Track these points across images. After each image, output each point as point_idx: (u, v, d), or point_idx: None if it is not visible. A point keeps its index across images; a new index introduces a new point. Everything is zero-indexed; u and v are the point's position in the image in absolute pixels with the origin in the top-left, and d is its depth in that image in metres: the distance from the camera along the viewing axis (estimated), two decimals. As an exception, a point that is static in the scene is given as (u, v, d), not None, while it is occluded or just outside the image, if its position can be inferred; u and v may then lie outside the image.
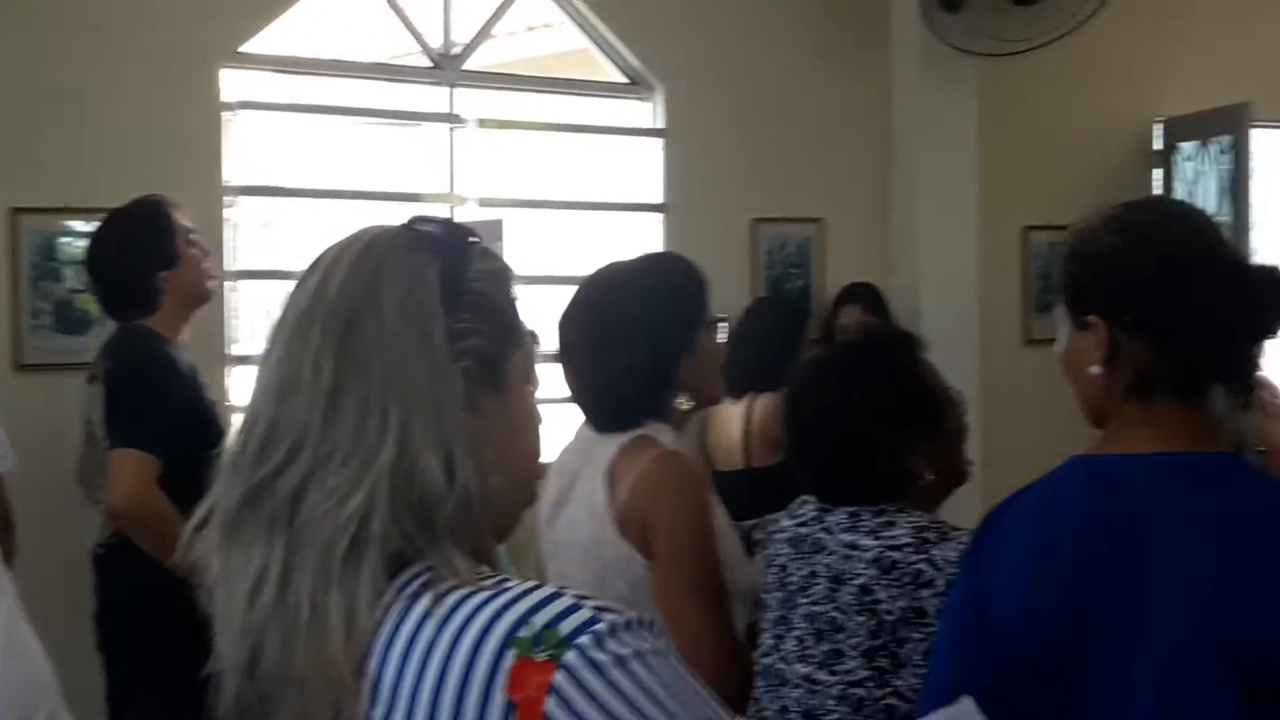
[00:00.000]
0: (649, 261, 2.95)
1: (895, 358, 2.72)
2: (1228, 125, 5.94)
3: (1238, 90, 6.09)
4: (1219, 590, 1.84)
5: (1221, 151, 6.04)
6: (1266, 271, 1.99)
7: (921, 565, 2.47)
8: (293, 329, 1.37)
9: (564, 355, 2.85)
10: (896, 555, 2.49)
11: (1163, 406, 1.96)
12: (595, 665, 1.22)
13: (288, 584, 1.31)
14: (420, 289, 1.36)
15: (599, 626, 1.24)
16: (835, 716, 2.51)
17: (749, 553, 2.92)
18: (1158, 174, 6.41)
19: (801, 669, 2.57)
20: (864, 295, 5.72)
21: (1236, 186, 5.89)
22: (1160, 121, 6.39)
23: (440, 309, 1.36)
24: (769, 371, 4.89)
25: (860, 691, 2.49)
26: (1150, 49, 6.37)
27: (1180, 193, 6.25)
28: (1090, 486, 1.98)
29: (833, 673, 2.52)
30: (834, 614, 2.54)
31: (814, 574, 2.59)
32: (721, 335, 2.93)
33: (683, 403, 2.84)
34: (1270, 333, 1.97)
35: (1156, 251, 1.97)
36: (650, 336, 2.76)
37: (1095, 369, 1.99)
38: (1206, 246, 1.97)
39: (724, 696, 2.47)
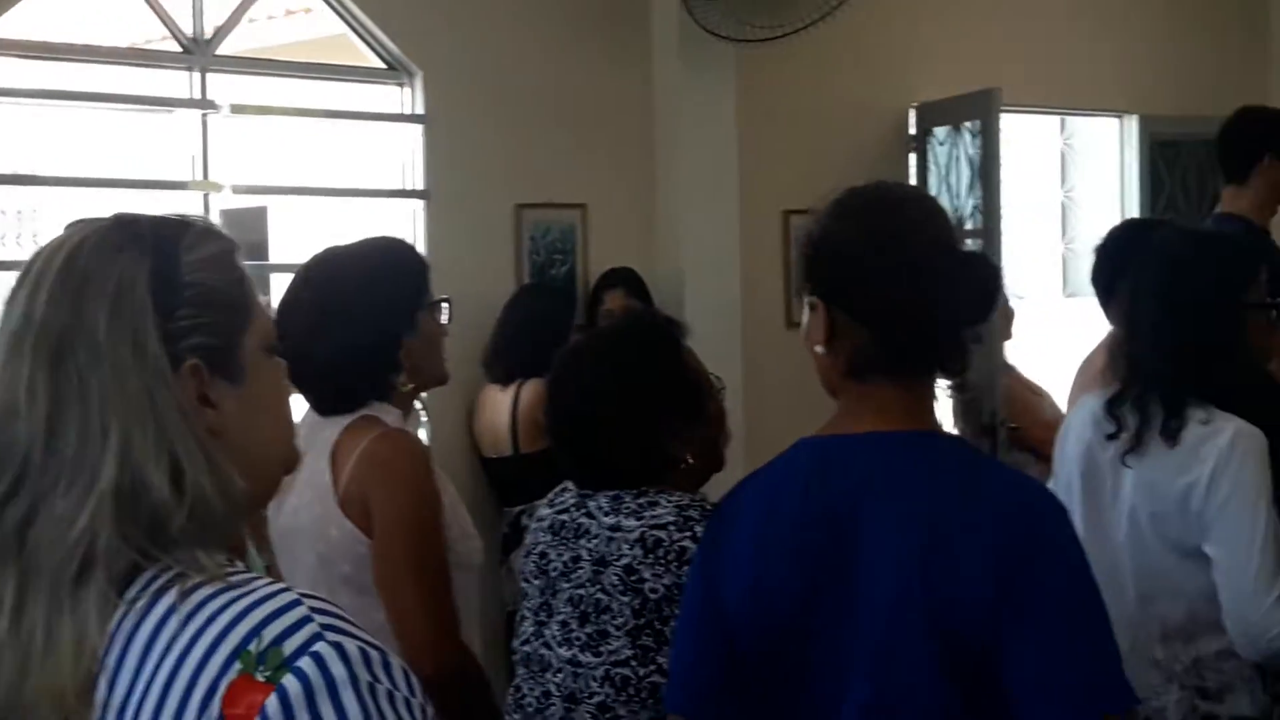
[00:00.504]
0: (368, 245, 2.96)
1: (655, 343, 2.73)
2: (978, 110, 6.11)
3: (988, 76, 6.26)
4: (923, 565, 1.90)
5: (973, 136, 6.21)
6: (978, 258, 2.06)
7: (686, 542, 2.49)
8: (6, 353, 1.35)
9: (284, 339, 2.83)
10: (661, 534, 2.52)
11: (877, 386, 2.01)
12: (308, 693, 1.22)
13: (21, 613, 1.30)
14: (129, 298, 1.34)
15: (319, 647, 1.24)
16: (599, 698, 2.52)
17: (519, 538, 2.93)
18: (913, 158, 6.56)
19: (565, 652, 2.57)
20: (626, 280, 5.74)
21: (987, 170, 6.06)
22: (915, 107, 6.54)
23: (153, 314, 1.35)
24: (535, 358, 4.88)
25: (625, 671, 2.51)
26: (905, 35, 6.52)
27: (934, 176, 6.41)
28: (812, 467, 2.03)
29: (597, 654, 2.53)
30: (599, 596, 2.55)
31: (577, 558, 2.59)
32: (444, 317, 2.97)
33: (403, 384, 2.85)
34: (982, 318, 2.03)
35: (868, 236, 2.02)
36: (369, 318, 2.79)
37: (819, 349, 2.04)
38: (919, 231, 2.02)
39: (437, 671, 2.55)
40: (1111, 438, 2.98)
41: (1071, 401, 3.65)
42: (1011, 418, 5.73)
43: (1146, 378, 2.95)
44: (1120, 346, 3.07)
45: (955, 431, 6.18)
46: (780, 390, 5.85)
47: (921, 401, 2.02)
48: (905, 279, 1.98)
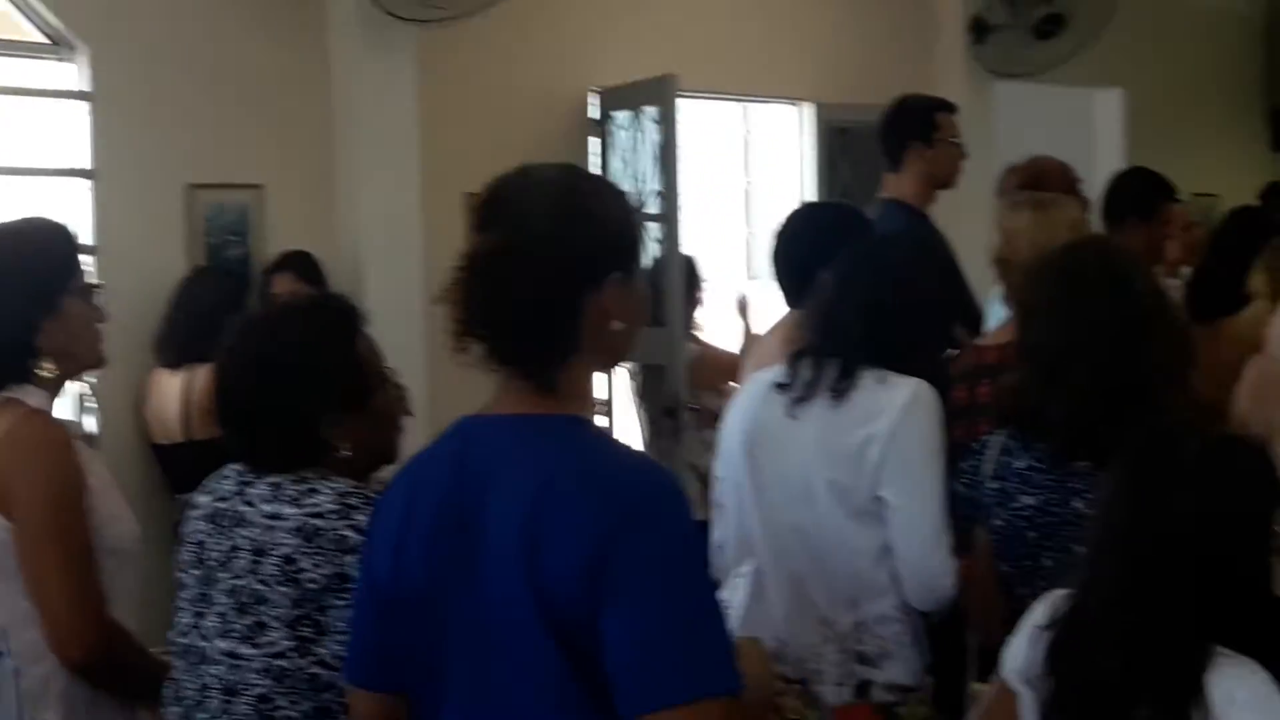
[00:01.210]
0: (5, 226, 2.88)
1: (322, 328, 2.67)
2: (656, 96, 6.17)
3: (668, 62, 6.33)
4: (528, 547, 1.91)
5: (653, 121, 6.27)
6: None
7: (346, 531, 2.45)
8: None
9: None
10: (320, 522, 2.47)
11: (509, 371, 2.02)
12: None
13: None
14: None
15: None
16: (258, 690, 2.46)
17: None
18: (596, 143, 6.59)
19: (223, 645, 2.50)
20: (296, 264, 5.59)
21: (665, 155, 6.13)
22: (596, 91, 6.57)
23: None
24: (207, 342, 4.74)
25: (283, 663, 2.45)
26: (586, 19, 6.55)
27: (616, 161, 6.46)
28: (455, 449, 2.05)
29: (255, 645, 2.47)
30: (257, 586, 2.48)
31: (235, 548, 2.53)
32: (98, 299, 2.91)
33: (47, 369, 2.79)
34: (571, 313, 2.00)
35: (489, 223, 2.03)
36: (5, 301, 2.73)
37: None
38: (523, 224, 2.00)
39: (85, 655, 2.59)
40: (783, 387, 3.04)
41: (744, 380, 3.71)
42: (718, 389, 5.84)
43: (833, 337, 3.03)
44: (813, 313, 3.14)
45: (641, 412, 6.27)
46: (465, 373, 5.80)
47: (557, 386, 2.01)
48: (506, 273, 1.99)
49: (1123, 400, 2.86)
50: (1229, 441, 2.34)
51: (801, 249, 3.74)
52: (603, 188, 2.12)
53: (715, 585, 1.96)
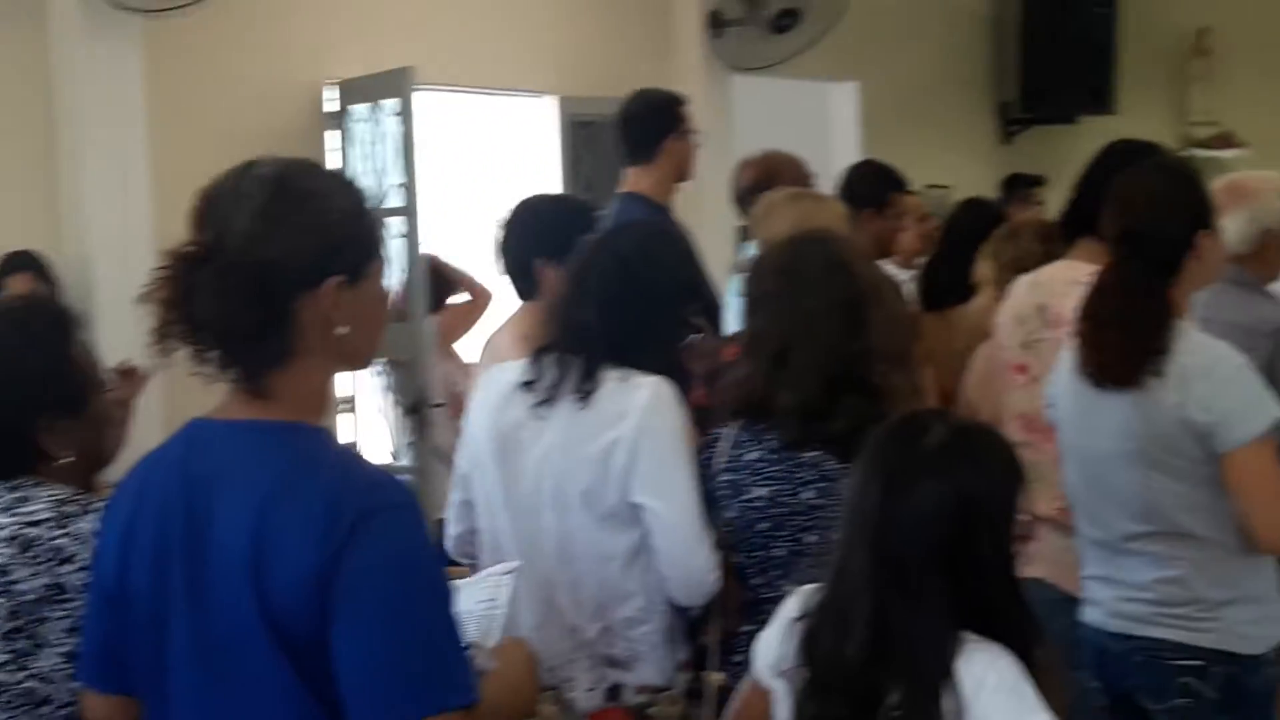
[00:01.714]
0: None
1: (35, 333, 2.59)
2: (394, 88, 6.09)
3: (407, 54, 6.25)
4: (254, 557, 1.86)
5: (392, 114, 6.18)
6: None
7: (62, 540, 2.37)
8: None
9: None
10: (34, 531, 2.39)
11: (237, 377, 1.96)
12: None
13: None
14: None
15: None
16: (-29, 708, 2.35)
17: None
18: (335, 136, 6.47)
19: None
20: (31, 264, 5.38)
21: (405, 148, 6.05)
22: (334, 84, 6.45)
23: None
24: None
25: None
26: (321, 9, 6.42)
27: (357, 155, 6.35)
28: (182, 452, 1.98)
29: (-32, 661, 2.36)
30: (-33, 600, 2.38)
31: (-55, 560, 2.40)
32: None
33: None
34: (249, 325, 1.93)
35: (200, 223, 1.96)
36: None
37: None
38: (227, 225, 1.93)
39: None
40: (528, 386, 3.00)
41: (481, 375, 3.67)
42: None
43: (573, 335, 2.99)
44: (551, 310, 3.11)
45: (390, 410, 6.18)
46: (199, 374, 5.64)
47: (274, 391, 1.95)
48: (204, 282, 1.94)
49: (844, 388, 2.91)
50: (973, 428, 2.39)
51: (523, 242, 3.76)
52: (326, 185, 2.02)
53: (449, 596, 1.91)
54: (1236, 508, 3.08)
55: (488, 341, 4.08)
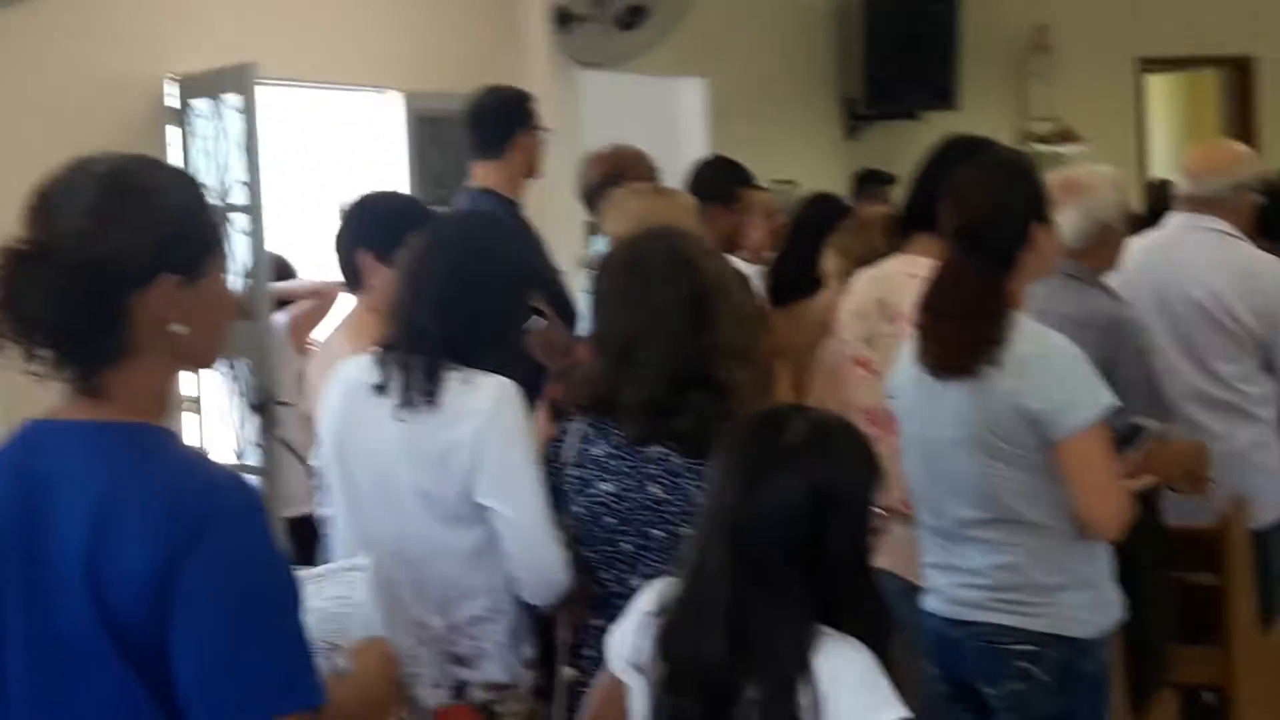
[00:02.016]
0: None
1: None
2: (236, 84, 5.99)
3: (250, 48, 6.15)
4: (89, 559, 1.83)
5: (235, 110, 6.08)
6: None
7: None
8: None
9: None
10: None
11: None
12: None
13: None
14: None
15: None
16: None
17: None
18: (175, 132, 6.35)
19: None
20: None
21: (249, 145, 5.96)
22: (174, 79, 6.34)
23: None
24: None
25: None
26: (160, 3, 6.30)
27: (199, 150, 6.22)
28: (19, 454, 1.94)
29: None
30: None
31: None
32: None
33: None
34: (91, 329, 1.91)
35: (30, 222, 1.92)
36: None
37: None
38: (53, 224, 1.90)
39: None
40: (380, 390, 2.98)
41: (318, 376, 3.64)
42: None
43: (413, 334, 2.98)
44: (391, 307, 3.09)
45: (236, 409, 6.09)
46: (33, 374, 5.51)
47: (108, 391, 1.92)
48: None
49: (690, 384, 2.93)
50: (831, 423, 2.41)
51: (351, 236, 3.76)
52: (161, 182, 1.98)
53: (294, 597, 1.89)
54: (1070, 494, 3.16)
55: (325, 339, 4.07)
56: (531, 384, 4.51)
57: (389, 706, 2.38)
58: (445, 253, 3.05)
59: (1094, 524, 3.18)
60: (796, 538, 2.24)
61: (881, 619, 2.31)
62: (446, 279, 2.99)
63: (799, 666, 2.20)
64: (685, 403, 2.91)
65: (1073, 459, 3.14)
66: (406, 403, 2.95)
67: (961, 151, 3.77)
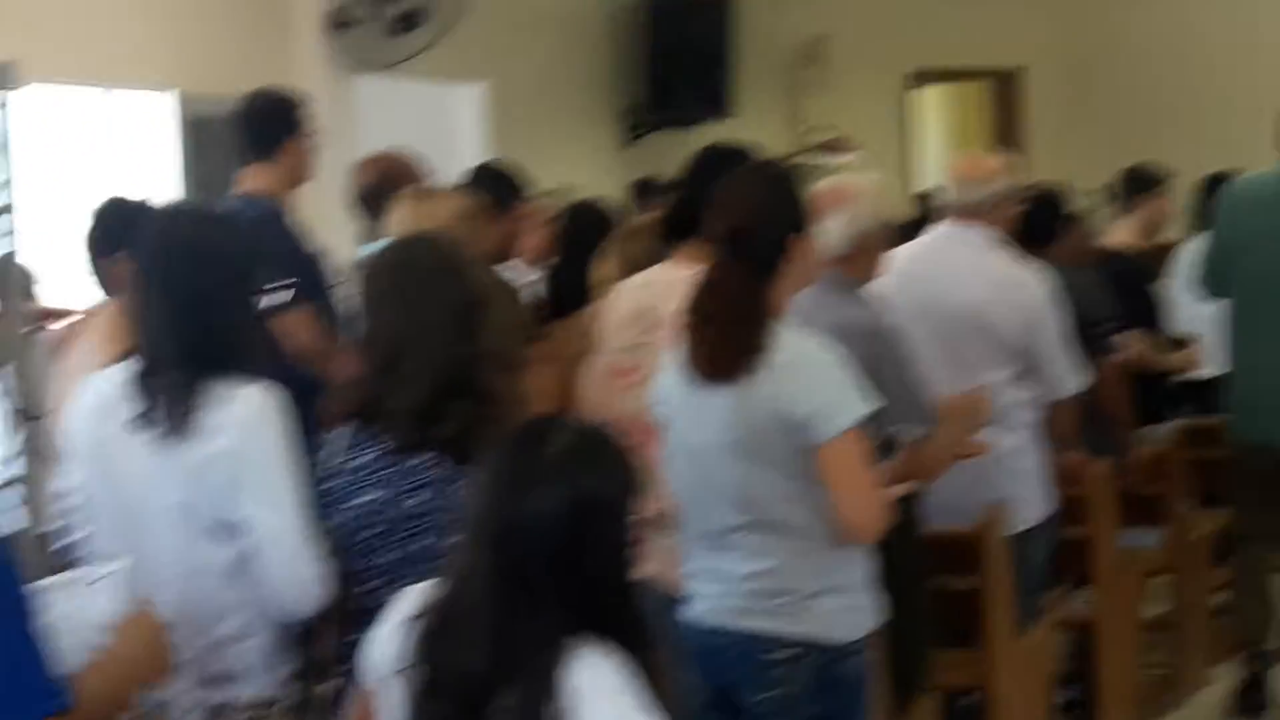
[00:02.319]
0: None
1: None
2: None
3: (11, 46, 5.95)
4: None
5: (-2, 108, 5.88)
6: None
7: None
8: None
9: None
10: None
11: None
12: None
13: None
14: None
15: None
16: None
17: None
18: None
19: None
20: None
21: (3, 145, 5.75)
22: (-71, 76, 6.10)
23: None
24: None
25: None
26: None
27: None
28: None
29: None
30: None
31: None
32: None
33: None
34: None
35: None
36: None
37: None
38: None
39: None
40: (123, 400, 2.90)
41: (67, 384, 3.54)
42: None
43: (160, 346, 2.91)
44: (136, 318, 3.02)
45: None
46: None
47: None
48: None
49: (456, 391, 2.92)
50: (593, 433, 2.41)
51: (106, 243, 3.75)
52: None
53: (24, 610, 1.84)
54: (829, 499, 3.22)
55: (76, 346, 3.98)
56: (303, 389, 4.48)
57: (160, 673, 2.37)
58: (166, 260, 2.97)
59: (852, 528, 3.24)
60: (557, 547, 2.25)
61: (642, 629, 2.32)
62: (178, 288, 2.92)
63: (554, 675, 2.20)
64: (451, 410, 2.90)
65: (832, 464, 3.20)
66: (169, 430, 2.87)
67: (720, 160, 3.83)
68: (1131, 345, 5.94)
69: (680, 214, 3.90)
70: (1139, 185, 6.27)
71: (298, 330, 4.68)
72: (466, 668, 2.25)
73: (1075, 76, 10.76)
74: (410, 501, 2.93)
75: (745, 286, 3.24)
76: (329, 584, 2.94)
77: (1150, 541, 5.94)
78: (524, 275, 5.54)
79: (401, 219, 3.99)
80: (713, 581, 3.35)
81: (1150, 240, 6.40)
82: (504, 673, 2.22)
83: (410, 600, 2.42)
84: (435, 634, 2.31)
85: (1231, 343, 5.78)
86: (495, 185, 5.26)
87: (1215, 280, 5.81)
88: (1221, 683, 5.99)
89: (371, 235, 4.82)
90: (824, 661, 3.27)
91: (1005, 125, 11.00)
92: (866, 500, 3.23)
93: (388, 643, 2.40)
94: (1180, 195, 6.78)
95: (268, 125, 4.90)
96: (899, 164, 10.41)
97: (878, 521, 3.26)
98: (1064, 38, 10.70)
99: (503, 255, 5.11)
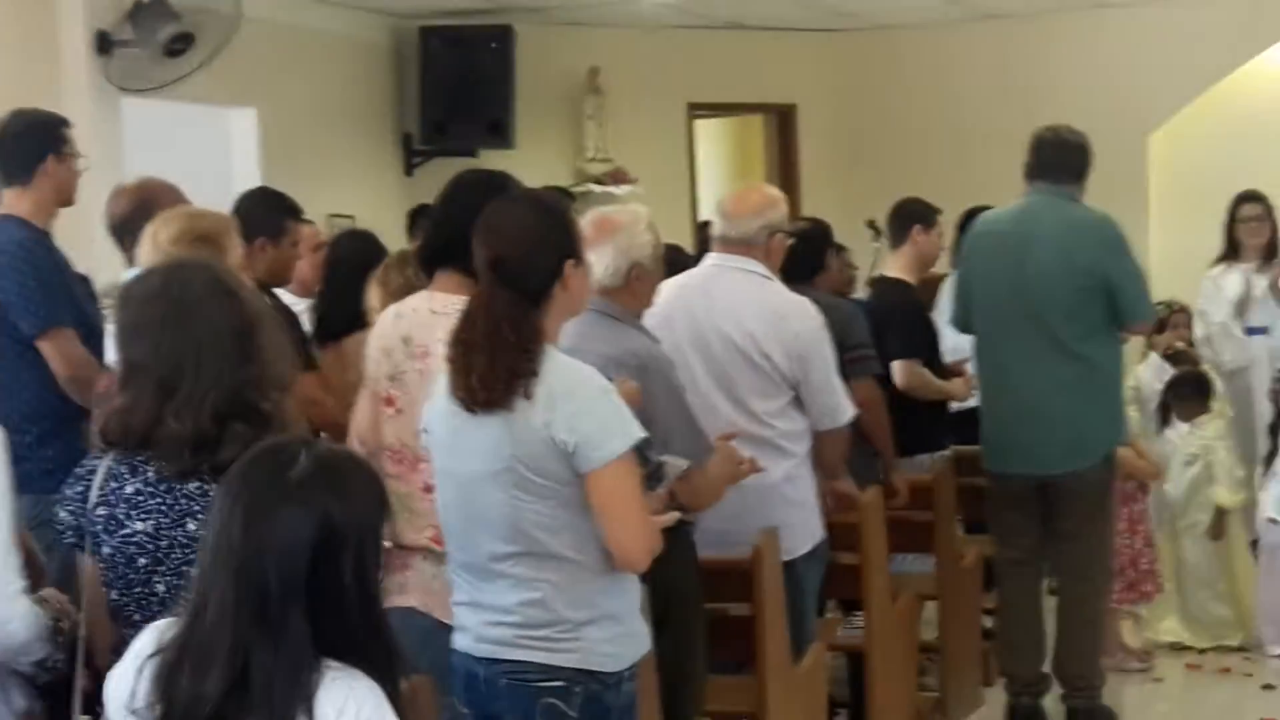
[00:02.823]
0: None
1: None
2: None
3: None
4: None
5: None
6: None
7: None
8: None
9: None
10: None
11: None
12: None
13: None
14: None
15: None
16: None
17: None
18: None
19: None
20: None
21: None
22: None
23: None
24: None
25: None
26: None
27: None
28: None
29: None
30: None
31: None
32: None
33: None
34: None
35: None
36: None
37: None
38: None
39: None
40: None
41: None
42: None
43: None
44: None
45: None
46: None
47: None
48: None
49: (234, 415, 2.86)
50: (337, 457, 2.36)
51: None
52: None
53: None
54: (599, 526, 3.21)
55: None
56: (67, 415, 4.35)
57: None
58: None
59: (622, 556, 3.24)
60: (301, 574, 2.20)
61: (391, 654, 2.28)
62: None
63: (300, 704, 2.15)
64: (229, 434, 2.83)
65: (601, 491, 3.19)
66: None
67: (474, 188, 3.80)
68: (903, 373, 6.07)
69: (435, 242, 3.86)
70: (907, 220, 6.42)
71: (61, 355, 4.56)
72: (206, 702, 2.18)
73: (845, 113, 11.01)
74: (188, 527, 2.86)
75: (512, 315, 3.21)
76: (28, 623, 2.87)
77: (923, 567, 6.08)
78: (296, 302, 5.46)
79: (161, 243, 3.87)
80: (479, 611, 3.31)
81: (922, 274, 6.55)
82: (247, 705, 2.17)
83: (149, 636, 2.35)
84: (173, 669, 2.25)
85: (978, 375, 5.99)
86: (265, 210, 5.18)
87: (961, 315, 6.01)
88: (993, 704, 6.15)
89: (130, 262, 4.70)
90: (594, 691, 3.25)
91: (783, 159, 11.18)
92: (636, 528, 3.23)
93: (127, 680, 2.33)
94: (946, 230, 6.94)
95: (25, 147, 4.81)
96: (680, 196, 10.50)
97: (648, 549, 3.26)
98: (834, 75, 10.93)
99: (275, 282, 5.03)
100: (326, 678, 2.18)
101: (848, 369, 5.35)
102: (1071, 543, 5.84)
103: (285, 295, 5.45)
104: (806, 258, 5.65)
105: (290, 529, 2.20)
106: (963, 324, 6.03)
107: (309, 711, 2.15)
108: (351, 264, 5.09)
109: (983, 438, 5.95)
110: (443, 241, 3.75)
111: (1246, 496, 7.06)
